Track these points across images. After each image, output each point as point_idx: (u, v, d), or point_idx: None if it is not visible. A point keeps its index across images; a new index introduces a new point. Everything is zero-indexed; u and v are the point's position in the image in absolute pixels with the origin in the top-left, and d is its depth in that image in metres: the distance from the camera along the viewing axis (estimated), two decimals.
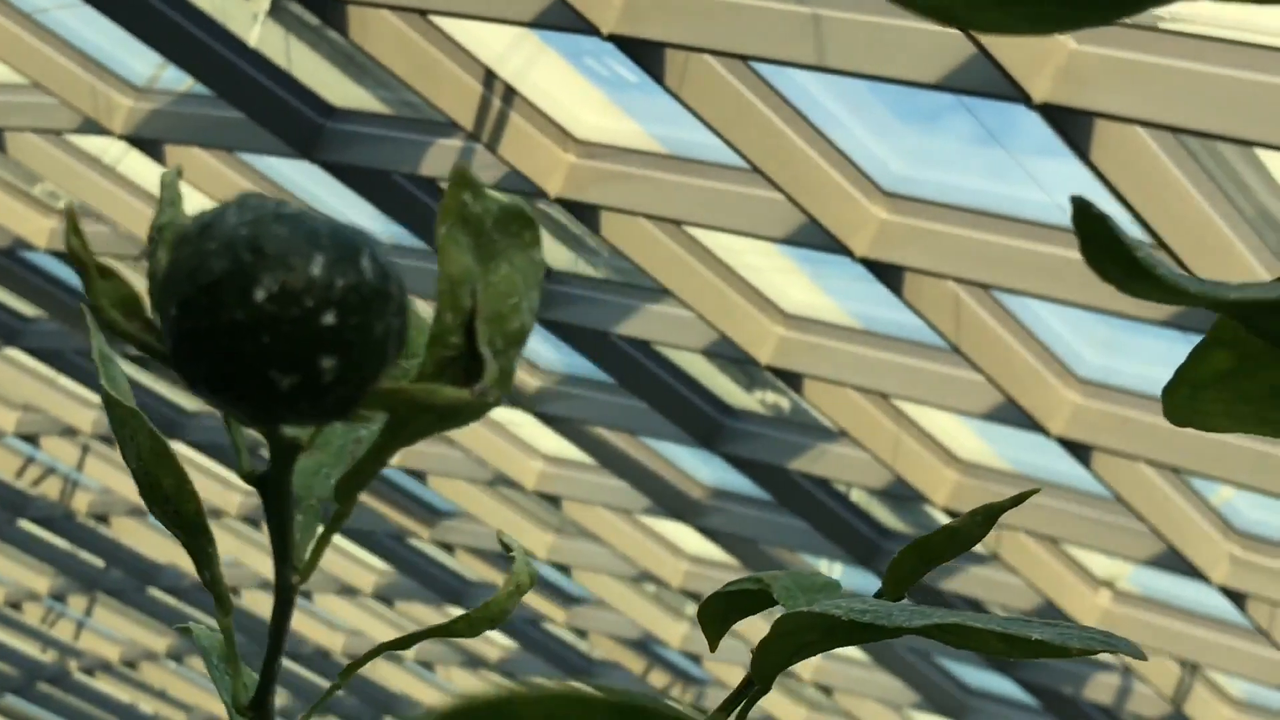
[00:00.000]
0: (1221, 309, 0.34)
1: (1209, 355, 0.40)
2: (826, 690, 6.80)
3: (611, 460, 5.73)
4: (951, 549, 0.45)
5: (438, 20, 4.17)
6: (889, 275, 4.26)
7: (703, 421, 5.25)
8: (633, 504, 5.98)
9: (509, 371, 0.34)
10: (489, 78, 4.29)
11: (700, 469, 5.83)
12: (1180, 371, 0.40)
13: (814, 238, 4.23)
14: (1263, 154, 3.59)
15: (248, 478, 0.35)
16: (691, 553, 6.31)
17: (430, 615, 7.92)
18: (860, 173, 4.16)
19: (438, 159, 4.53)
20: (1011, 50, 3.40)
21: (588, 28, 3.72)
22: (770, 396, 5.31)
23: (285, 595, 0.35)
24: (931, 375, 4.63)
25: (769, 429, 5.28)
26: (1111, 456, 4.49)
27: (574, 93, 4.48)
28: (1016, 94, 3.44)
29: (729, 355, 4.89)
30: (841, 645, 0.44)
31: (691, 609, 6.69)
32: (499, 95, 4.30)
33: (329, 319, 0.31)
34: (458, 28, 4.22)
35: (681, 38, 3.74)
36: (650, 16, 3.72)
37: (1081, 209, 0.33)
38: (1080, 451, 4.50)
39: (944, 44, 3.49)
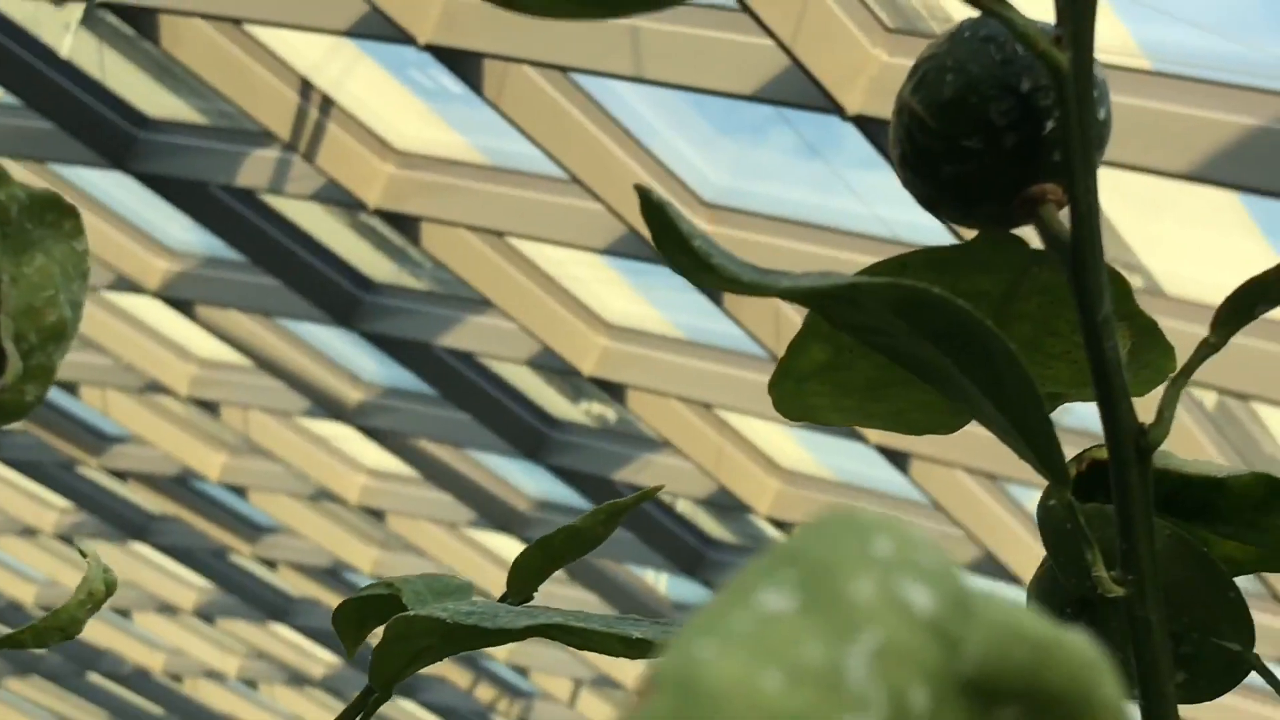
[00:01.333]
0: (776, 294, 0.34)
1: (806, 348, 0.40)
2: None
3: (436, 473, 5.69)
4: (575, 549, 0.44)
5: (252, 29, 4.12)
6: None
7: (527, 433, 5.24)
8: (458, 517, 5.95)
9: (48, 368, 0.32)
10: (305, 87, 4.24)
11: (525, 481, 5.81)
12: (782, 364, 0.40)
13: (635, 248, 4.23)
14: None
15: None
16: None
17: (253, 632, 7.81)
18: (681, 184, 4.17)
19: (254, 170, 4.47)
20: (826, 62, 3.43)
21: (404, 37, 3.70)
22: (595, 407, 5.31)
23: None
24: (753, 385, 4.66)
25: (594, 440, 5.28)
26: (929, 463, 4.55)
27: (394, 103, 4.45)
28: (830, 106, 3.47)
29: (553, 366, 4.88)
30: (462, 649, 0.43)
31: None
32: (316, 105, 4.25)
33: None
34: (273, 37, 4.17)
35: (499, 48, 3.73)
36: (468, 27, 3.71)
37: (644, 199, 0.32)
38: (898, 459, 4.55)
39: (760, 56, 3.52)
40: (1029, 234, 0.38)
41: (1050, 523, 0.38)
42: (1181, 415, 4.04)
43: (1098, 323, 0.35)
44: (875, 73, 3.48)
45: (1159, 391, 0.41)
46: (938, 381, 0.35)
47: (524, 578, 0.45)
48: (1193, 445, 4.06)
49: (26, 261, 0.33)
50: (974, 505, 4.65)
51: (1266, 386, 3.69)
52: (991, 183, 0.37)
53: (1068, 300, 0.36)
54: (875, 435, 4.45)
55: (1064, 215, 0.36)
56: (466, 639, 0.42)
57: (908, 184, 0.38)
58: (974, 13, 0.36)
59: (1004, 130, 0.37)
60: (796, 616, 0.15)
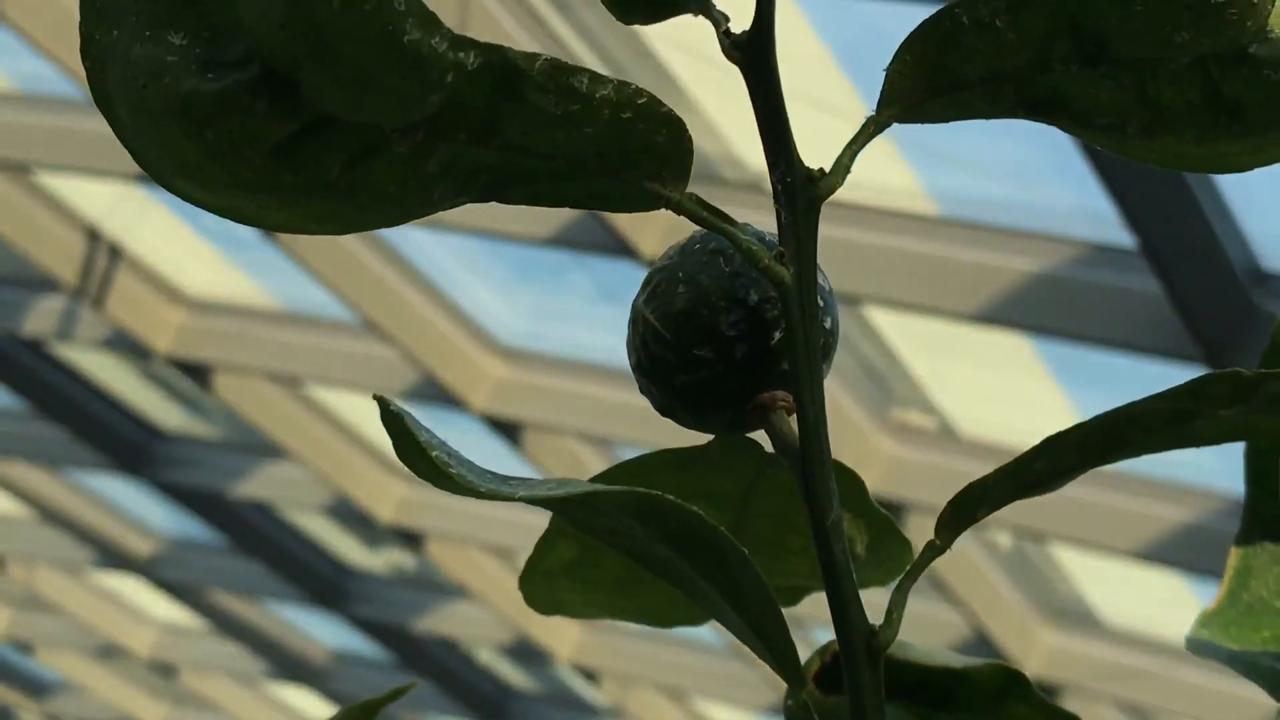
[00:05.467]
0: (511, 500, 0.34)
1: (554, 546, 0.40)
2: None
3: (229, 626, 5.57)
4: None
5: (37, 176, 4.06)
6: (508, 430, 4.27)
7: (324, 583, 5.16)
8: (253, 670, 5.82)
9: None
10: (93, 234, 4.18)
11: (322, 632, 5.71)
12: (531, 562, 0.40)
13: (432, 393, 4.22)
14: (867, 309, 3.73)
15: None
16: (314, 719, 6.16)
17: None
18: (478, 329, 4.18)
19: (40, 319, 4.38)
20: None
21: None
22: (393, 556, 5.26)
23: None
24: None
25: (392, 589, 5.21)
26: None
27: (185, 249, 4.40)
28: (626, 251, 3.51)
29: (350, 515, 4.83)
30: None
31: None
32: (104, 252, 4.19)
33: None
34: (60, 184, 4.12)
35: None
36: None
37: (383, 408, 0.33)
38: None
39: None
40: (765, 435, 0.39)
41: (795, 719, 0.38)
42: (977, 559, 4.11)
43: (826, 527, 0.36)
44: (671, 219, 3.53)
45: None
46: (677, 583, 0.36)
47: None
48: (986, 589, 4.13)
49: None
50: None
51: (1062, 525, 3.77)
52: (724, 391, 0.38)
53: None
54: None
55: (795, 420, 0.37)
56: None
57: (644, 391, 0.39)
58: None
59: (734, 340, 0.38)
60: None
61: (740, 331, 0.38)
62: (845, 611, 0.36)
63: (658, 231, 3.50)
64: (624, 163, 0.34)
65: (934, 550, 0.38)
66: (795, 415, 0.37)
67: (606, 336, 4.42)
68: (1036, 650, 4.24)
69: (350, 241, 3.94)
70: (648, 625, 0.42)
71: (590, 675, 5.14)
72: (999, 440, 3.81)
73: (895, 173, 3.34)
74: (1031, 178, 3.52)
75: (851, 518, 0.40)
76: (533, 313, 4.36)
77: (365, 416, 4.69)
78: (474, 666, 5.51)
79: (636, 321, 0.39)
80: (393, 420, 0.33)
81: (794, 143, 0.36)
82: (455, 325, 4.13)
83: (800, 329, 0.36)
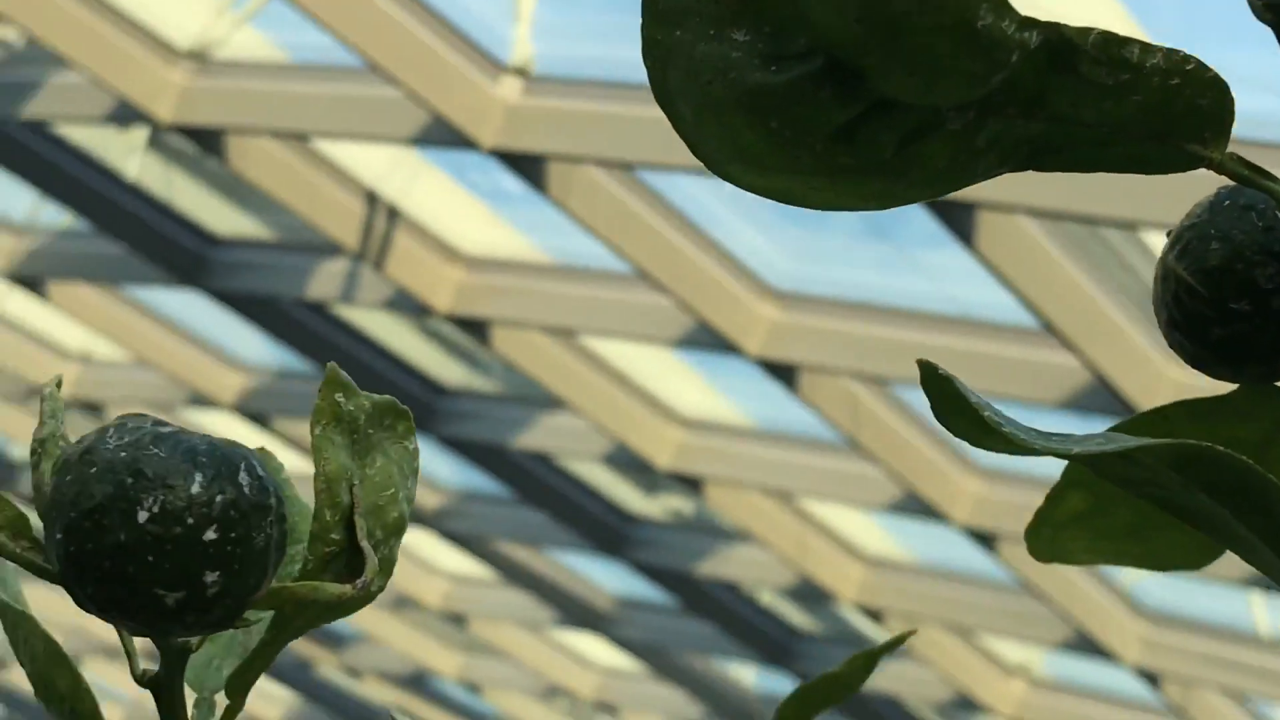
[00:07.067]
0: (1068, 459, 0.36)
1: (1065, 497, 0.42)
2: (611, 710, 6.64)
3: (516, 575, 5.70)
4: (834, 695, 0.46)
5: (316, 144, 4.18)
6: (784, 374, 4.29)
7: (605, 530, 5.25)
8: (540, 618, 5.94)
9: (390, 560, 0.35)
10: (371, 198, 4.30)
11: (605, 579, 5.81)
12: (1039, 514, 0.42)
13: (707, 340, 4.25)
14: (1145, 234, 3.66)
15: (140, 680, 0.35)
16: (603, 664, 6.27)
17: None
18: (749, 273, 4.20)
19: (324, 282, 4.52)
20: None
21: (468, 143, 3.75)
22: (672, 501, 5.32)
23: None
24: (832, 471, 4.65)
25: (672, 534, 5.28)
26: (1017, 543, 4.53)
27: (459, 208, 4.50)
28: None
29: (628, 462, 4.90)
30: None
31: None
32: (382, 215, 4.31)
33: (210, 535, 0.32)
34: (338, 150, 4.24)
35: (564, 149, 3.77)
36: (531, 129, 3.75)
37: (928, 371, 0.34)
38: (985, 540, 4.53)
39: None
40: None
41: None
42: None
43: None
44: None
45: None
46: (1212, 530, 0.37)
47: None
48: None
49: (369, 464, 0.35)
50: (1065, 583, 4.62)
51: None
52: (1260, 342, 0.39)
53: None
54: (962, 516, 4.43)
55: None
56: None
57: (1175, 345, 0.40)
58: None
59: (1271, 293, 0.39)
60: None
61: (1277, 284, 0.39)
62: None
63: None
64: (1167, 127, 0.36)
65: None
66: None
67: (875, 274, 4.40)
68: None
69: (618, 191, 3.98)
70: (1147, 569, 0.44)
71: (874, 615, 5.15)
72: None
73: None
74: None
75: None
76: (800, 253, 4.35)
77: (640, 365, 4.75)
78: (758, 609, 5.56)
79: (1168, 278, 0.40)
80: (941, 383, 0.35)
81: None
82: (726, 270, 4.15)
83: None
